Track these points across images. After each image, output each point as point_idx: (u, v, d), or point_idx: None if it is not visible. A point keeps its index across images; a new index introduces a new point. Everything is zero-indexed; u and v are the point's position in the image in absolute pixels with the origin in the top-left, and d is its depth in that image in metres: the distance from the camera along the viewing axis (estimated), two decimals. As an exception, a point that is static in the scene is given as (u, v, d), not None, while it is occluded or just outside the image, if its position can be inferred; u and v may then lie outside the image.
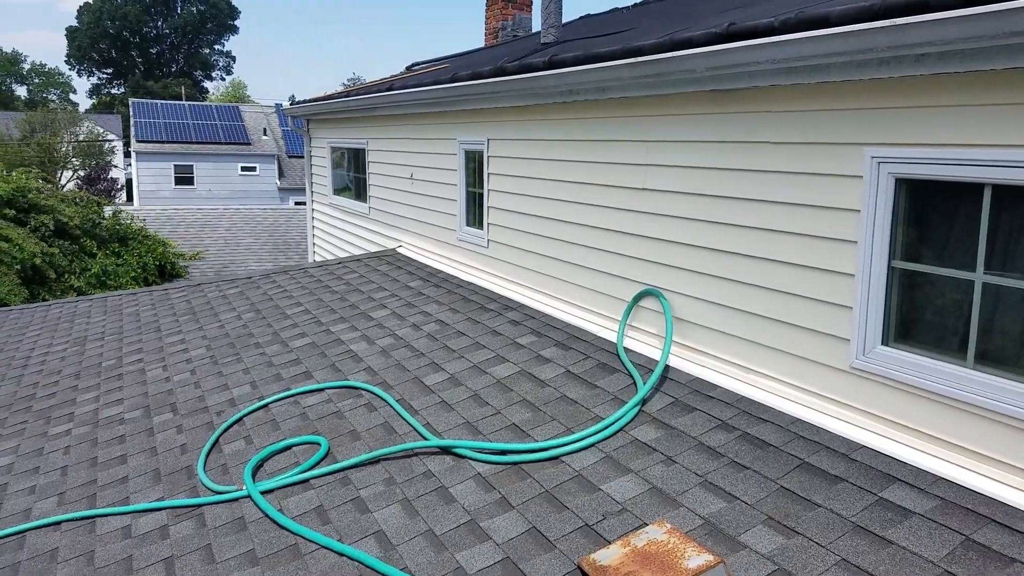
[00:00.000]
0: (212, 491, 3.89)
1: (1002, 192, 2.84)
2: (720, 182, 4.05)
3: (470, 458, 3.75)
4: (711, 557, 2.50)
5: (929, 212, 3.13)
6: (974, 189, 2.92)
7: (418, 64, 12.48)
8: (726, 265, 4.03)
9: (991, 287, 2.87)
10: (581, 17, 10.69)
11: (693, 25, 4.57)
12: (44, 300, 12.67)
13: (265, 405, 4.83)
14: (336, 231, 10.98)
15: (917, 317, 3.19)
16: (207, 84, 73.74)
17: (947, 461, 2.95)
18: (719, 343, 4.11)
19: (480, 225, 6.75)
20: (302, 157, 18.47)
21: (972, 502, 2.68)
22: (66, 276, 13.70)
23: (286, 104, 12.19)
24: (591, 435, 3.68)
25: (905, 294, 3.20)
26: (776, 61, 3.49)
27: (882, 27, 2.92)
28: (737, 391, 3.83)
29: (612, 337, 4.85)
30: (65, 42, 68.51)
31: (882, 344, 3.24)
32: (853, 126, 3.33)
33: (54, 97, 75.26)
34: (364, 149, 9.54)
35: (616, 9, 9.94)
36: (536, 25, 11.71)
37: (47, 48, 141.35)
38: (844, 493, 2.89)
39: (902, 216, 3.18)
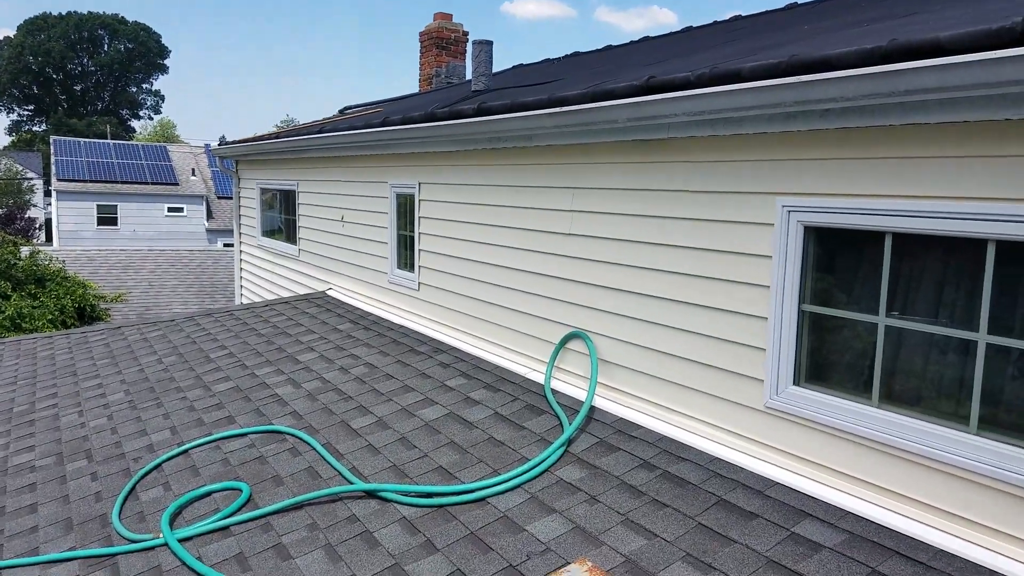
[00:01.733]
0: (127, 539, 3.74)
1: (902, 240, 3.03)
2: (642, 228, 4.19)
3: (396, 501, 3.72)
4: (631, 594, 2.54)
5: (836, 258, 3.32)
6: (877, 236, 3.11)
7: (351, 107, 12.54)
8: (648, 308, 4.15)
9: (893, 329, 3.05)
10: (513, 67, 10.97)
11: (617, 77, 4.77)
12: (-50, 343, 12.04)
13: (185, 451, 4.69)
14: (265, 273, 10.82)
15: (826, 358, 3.35)
16: (134, 123, 72.12)
17: (855, 496, 3.08)
18: (642, 384, 4.21)
19: (411, 268, 6.77)
20: (231, 198, 18.24)
21: (878, 535, 2.80)
22: (-24, 319, 13.06)
23: (215, 144, 12.05)
24: (517, 476, 3.70)
25: (815, 336, 3.36)
26: (692, 113, 3.67)
27: (788, 83, 3.12)
28: (659, 431, 3.92)
29: (540, 379, 4.91)
30: (-16, 77, 66.08)
31: (794, 384, 3.38)
32: (765, 176, 3.51)
33: (-30, 133, 72.31)
34: (295, 191, 9.49)
35: (547, 60, 10.24)
36: (469, 73, 11.95)
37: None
38: (759, 529, 2.99)
39: (811, 262, 3.36)
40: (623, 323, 4.33)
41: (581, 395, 4.55)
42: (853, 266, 3.28)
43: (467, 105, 5.54)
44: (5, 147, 60.62)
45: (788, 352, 3.38)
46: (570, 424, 4.09)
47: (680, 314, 3.95)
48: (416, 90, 13.20)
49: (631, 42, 9.12)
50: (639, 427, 4.01)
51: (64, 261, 16.67)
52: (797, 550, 2.81)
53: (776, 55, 3.41)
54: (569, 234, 4.74)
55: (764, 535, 2.94)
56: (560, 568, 2.92)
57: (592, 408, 4.31)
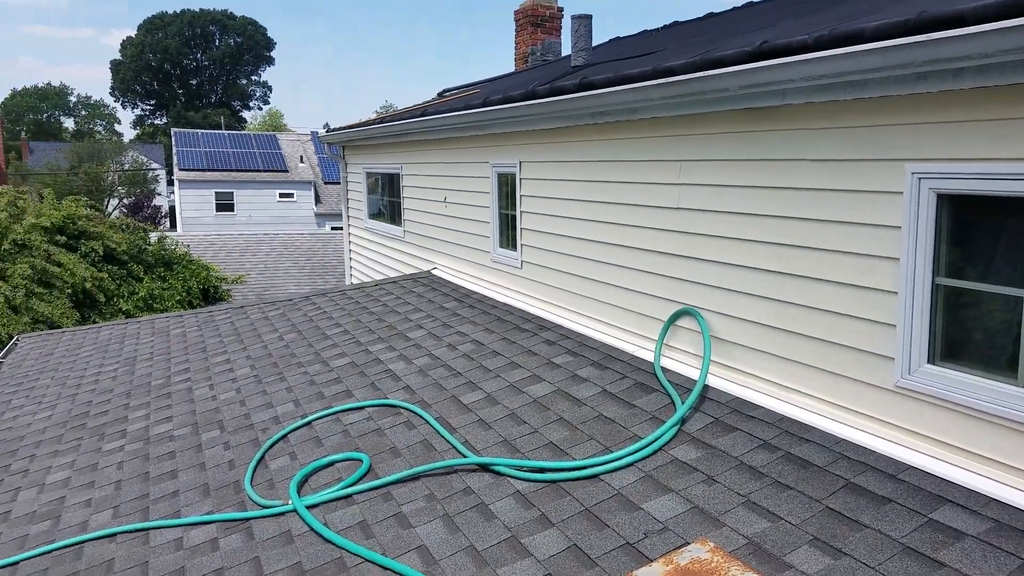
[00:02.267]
0: (259, 505, 3.88)
1: (1049, 208, 2.75)
2: (755, 200, 3.99)
3: (509, 475, 3.71)
4: (759, 577, 2.42)
5: (973, 228, 3.05)
6: (1019, 203, 2.84)
7: (450, 90, 12.59)
8: (765, 284, 3.96)
9: (1039, 304, 2.78)
10: (610, 40, 10.72)
11: (723, 44, 4.54)
12: (94, 323, 12.89)
13: (308, 422, 4.83)
14: (372, 254, 11.05)
15: (964, 335, 3.10)
16: (245, 114, 75.16)
17: (999, 482, 2.84)
18: (759, 362, 4.03)
19: (513, 246, 6.74)
20: (338, 183, 18.70)
21: (1026, 523, 2.57)
22: (115, 299, 13.91)
23: (322, 132, 12.35)
24: (630, 454, 3.61)
25: (951, 312, 3.11)
26: (810, 78, 3.45)
27: (919, 42, 2.87)
28: (779, 411, 3.74)
29: (648, 357, 4.79)
30: (110, 75, 70.25)
31: (928, 363, 3.14)
32: (892, 142, 3.26)
33: (100, 128, 77.20)
34: (399, 174, 9.61)
35: (645, 32, 9.95)
36: (565, 49, 11.76)
37: (92, 81, 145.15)
38: (892, 514, 2.80)
39: (945, 232, 3.10)
40: (736, 299, 4.15)
41: (692, 373, 4.41)
42: (993, 236, 3.01)
43: (568, 81, 5.41)
44: (131, 140, 64.36)
45: (921, 329, 3.14)
46: (683, 403, 3.96)
47: (799, 289, 3.74)
48: (512, 69, 13.12)
49: (733, 8, 8.72)
50: (757, 407, 3.84)
51: (188, 245, 17.55)
52: (936, 537, 2.62)
53: (900, 12, 3.15)
54: (677, 208, 4.58)
55: (899, 521, 2.75)
56: (681, 547, 2.82)
57: (705, 387, 4.16)
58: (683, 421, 3.86)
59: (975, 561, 2.45)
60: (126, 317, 13.14)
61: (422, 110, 8.96)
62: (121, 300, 13.86)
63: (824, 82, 3.42)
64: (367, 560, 3.23)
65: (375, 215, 10.95)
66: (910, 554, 2.56)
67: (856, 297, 3.44)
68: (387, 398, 4.97)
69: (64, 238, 13.63)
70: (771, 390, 3.93)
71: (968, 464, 2.96)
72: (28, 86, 77.47)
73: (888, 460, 3.14)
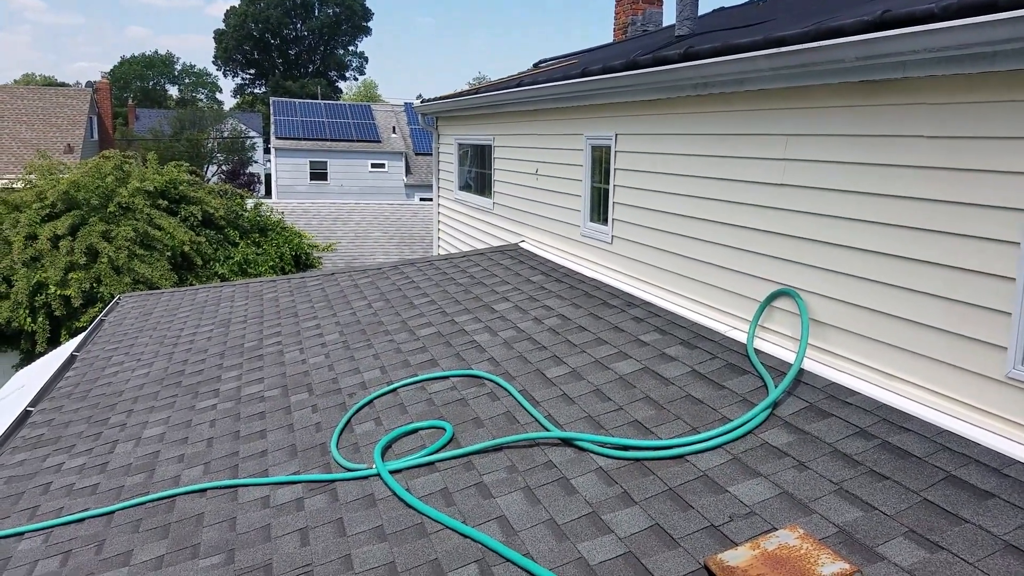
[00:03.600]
0: (344, 468, 4.08)
1: None
2: (865, 178, 3.87)
3: (592, 451, 3.77)
4: (847, 566, 2.41)
5: (1106, 212, 2.89)
6: None
7: (546, 61, 12.57)
8: (870, 266, 3.85)
9: None
10: (715, 10, 10.46)
11: (839, 15, 4.39)
12: (191, 285, 13.65)
13: (393, 389, 5.02)
14: (461, 225, 11.24)
15: (1088, 326, 2.95)
16: (341, 84, 77.07)
17: (1119, 483, 2.71)
18: (858, 347, 3.93)
19: (604, 221, 6.74)
20: (429, 155, 19.03)
21: None
22: (211, 263, 14.69)
23: (416, 102, 12.58)
24: (718, 436, 3.61)
25: (1074, 300, 2.96)
26: (935, 50, 3.30)
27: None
28: (877, 397, 3.65)
29: (741, 337, 4.73)
30: (213, 44, 73.26)
31: (1045, 353, 3.01)
32: (1020, 118, 3.10)
33: (202, 96, 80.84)
34: (490, 145, 9.71)
35: (752, 1, 9.66)
36: (667, 19, 11.56)
37: (197, 50, 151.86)
38: (995, 509, 2.71)
39: (1073, 216, 2.95)
40: (838, 281, 4.05)
41: (787, 356, 4.34)
42: None
43: (672, 51, 5.35)
44: (230, 108, 67.06)
45: (1040, 318, 3.01)
46: (776, 386, 3.92)
47: (907, 272, 3.62)
48: (611, 40, 12.98)
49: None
50: (854, 393, 3.76)
51: (282, 213, 18.28)
52: (1044, 538, 2.53)
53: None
54: (780, 184, 4.48)
55: (1001, 516, 2.67)
56: (768, 532, 2.83)
57: (801, 370, 4.10)
58: (775, 405, 3.82)
59: (1087, 565, 2.36)
60: (221, 280, 13.84)
61: (517, 80, 9.02)
62: (217, 264, 14.62)
63: (949, 54, 3.27)
64: (447, 527, 3.36)
65: (465, 187, 11.12)
66: (1012, 551, 2.48)
67: (969, 282, 3.31)
68: (471, 369, 5.11)
69: (165, 202, 14.45)
70: (870, 376, 3.84)
71: (1086, 464, 2.84)
72: (136, 54, 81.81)
73: (993, 453, 3.03)
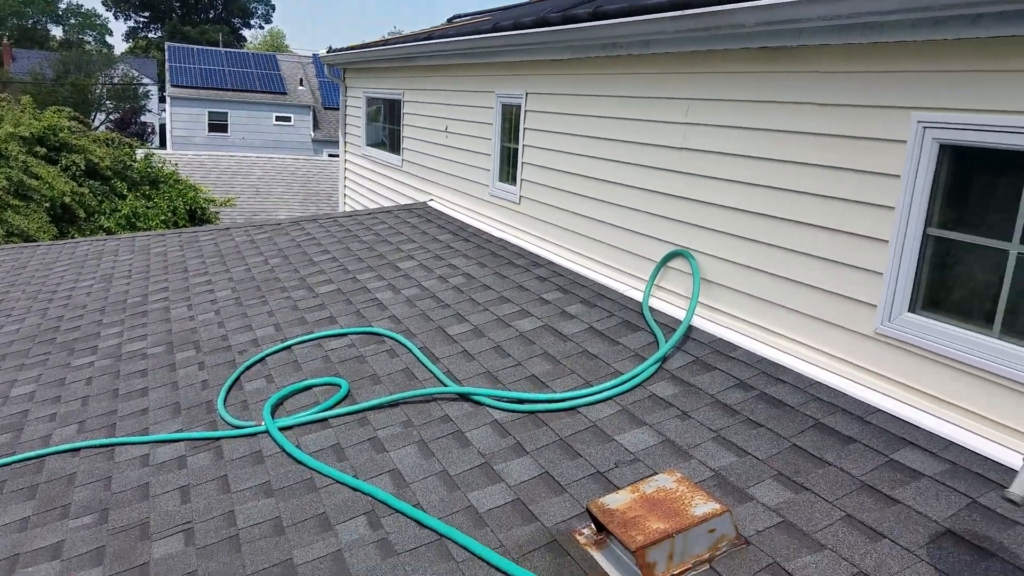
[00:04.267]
0: (231, 425, 4.08)
1: (1044, 160, 2.87)
2: (760, 143, 4.10)
3: (488, 405, 3.91)
4: (717, 506, 2.63)
5: (970, 179, 3.18)
6: (1020, 158, 2.95)
7: (461, 16, 12.50)
8: (758, 227, 4.10)
9: (1022, 257, 2.92)
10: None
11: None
12: (73, 238, 13.09)
13: (288, 347, 5.02)
14: (368, 183, 11.16)
15: (946, 285, 3.25)
16: (245, 32, 74.17)
17: (962, 427, 3.04)
18: (744, 305, 4.20)
19: (513, 181, 6.86)
20: (338, 109, 18.63)
21: (982, 467, 2.77)
22: (96, 216, 14.10)
23: (323, 53, 12.32)
24: (609, 388, 3.81)
25: (936, 262, 3.26)
26: (829, 17, 3.51)
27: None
28: (758, 352, 3.93)
29: (638, 296, 4.96)
30: (102, -18, 69.17)
31: (909, 311, 3.31)
32: (902, 89, 3.36)
33: (90, 39, 76.32)
34: (400, 100, 9.66)
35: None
36: (584, -22, 11.64)
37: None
38: (855, 453, 3.00)
39: (942, 182, 3.23)
40: (730, 242, 4.30)
41: (679, 314, 4.58)
42: (988, 189, 3.13)
43: (583, 9, 5.46)
44: (122, 53, 63.63)
45: (906, 277, 3.30)
46: (666, 341, 4.15)
47: (792, 234, 3.89)
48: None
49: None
50: (737, 348, 4.03)
51: (176, 164, 17.65)
52: (894, 476, 2.82)
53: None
54: (681, 148, 4.69)
55: (861, 460, 2.96)
56: (648, 476, 3.03)
57: (690, 327, 4.34)
58: (665, 359, 4.04)
59: (927, 499, 2.66)
60: (107, 235, 13.34)
61: (428, 34, 8.97)
62: (103, 217, 14.05)
63: (843, 22, 3.48)
64: (337, 481, 3.44)
65: (373, 143, 11.02)
66: (867, 491, 2.77)
67: (846, 244, 3.59)
68: (371, 326, 5.16)
69: (44, 150, 13.74)
70: (753, 332, 4.11)
71: (934, 409, 3.16)
72: (12, -12, 76.37)
73: (858, 403, 3.34)
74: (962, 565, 2.35)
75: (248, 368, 4.79)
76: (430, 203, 8.64)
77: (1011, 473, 2.71)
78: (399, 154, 9.75)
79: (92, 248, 8.72)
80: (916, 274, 3.29)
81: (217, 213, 16.70)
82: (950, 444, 2.94)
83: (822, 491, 2.82)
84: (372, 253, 6.95)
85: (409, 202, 9.12)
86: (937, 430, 3.03)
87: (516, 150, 6.78)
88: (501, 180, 7.13)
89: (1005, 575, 2.29)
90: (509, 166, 6.99)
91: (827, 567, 2.45)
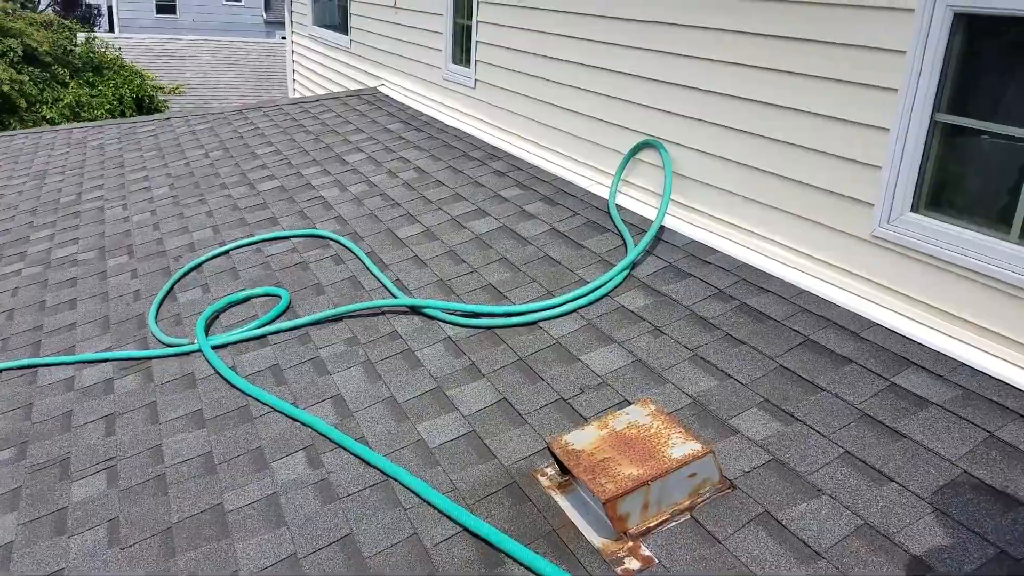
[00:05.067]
0: (162, 344, 3.57)
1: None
2: (740, 17, 3.46)
3: (441, 320, 3.41)
4: (699, 446, 2.19)
5: (988, 56, 2.62)
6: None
7: None
8: (739, 114, 3.51)
9: (1050, 148, 2.41)
10: None
11: None
12: (15, 130, 12.01)
13: (226, 252, 4.44)
14: (316, 66, 10.18)
15: (956, 181, 2.74)
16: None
17: (972, 345, 2.59)
18: (723, 203, 3.66)
19: (467, 62, 6.10)
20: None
21: (998, 393, 2.34)
22: (37, 106, 12.93)
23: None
24: (573, 300, 3.31)
25: (945, 153, 2.74)
26: None
27: None
28: (738, 257, 3.42)
29: (604, 193, 4.39)
30: None
31: (911, 211, 2.80)
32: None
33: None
34: (346, -26, 8.62)
35: None
36: None
37: None
38: (852, 376, 2.56)
39: (955, 60, 2.66)
40: (707, 131, 3.71)
41: (650, 213, 4.04)
42: (1009, 67, 2.59)
43: None
44: (61, -72, 58.41)
45: (910, 172, 2.77)
46: (636, 245, 3.63)
47: (779, 122, 3.30)
48: None
49: None
50: (715, 251, 3.51)
51: (120, 49, 16.20)
52: (898, 404, 2.39)
53: None
54: (651, 22, 4.01)
55: (858, 384, 2.52)
56: (618, 409, 2.58)
57: (662, 228, 3.81)
58: (634, 265, 3.54)
59: (937, 433, 2.24)
60: (52, 125, 12.27)
61: None
62: (45, 107, 12.90)
63: None
64: (275, 410, 2.96)
65: (321, 22, 9.97)
66: (868, 422, 2.34)
67: (842, 133, 3.03)
68: (316, 228, 4.57)
69: (-26, 35, 12.39)
70: (732, 234, 3.59)
71: (940, 324, 2.71)
72: None
73: (852, 315, 2.87)
74: (983, 515, 1.95)
75: (183, 276, 4.23)
76: (381, 88, 7.82)
77: (1031, 401, 2.30)
78: (347, 34, 8.79)
79: (27, 142, 7.85)
80: (921, 168, 2.77)
81: (166, 101, 15.47)
82: (960, 365, 2.50)
83: (816, 423, 2.39)
84: (318, 145, 6.24)
85: (359, 87, 8.27)
86: (944, 348, 2.58)
87: (470, 27, 5.99)
88: (455, 62, 6.35)
89: (1031, 527, 1.90)
90: (463, 46, 6.20)
91: (827, 517, 2.05)
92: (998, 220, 2.58)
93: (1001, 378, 2.39)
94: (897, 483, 2.10)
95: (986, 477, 2.06)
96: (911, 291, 2.80)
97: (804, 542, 1.99)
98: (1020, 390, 2.33)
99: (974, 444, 2.17)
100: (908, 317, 2.79)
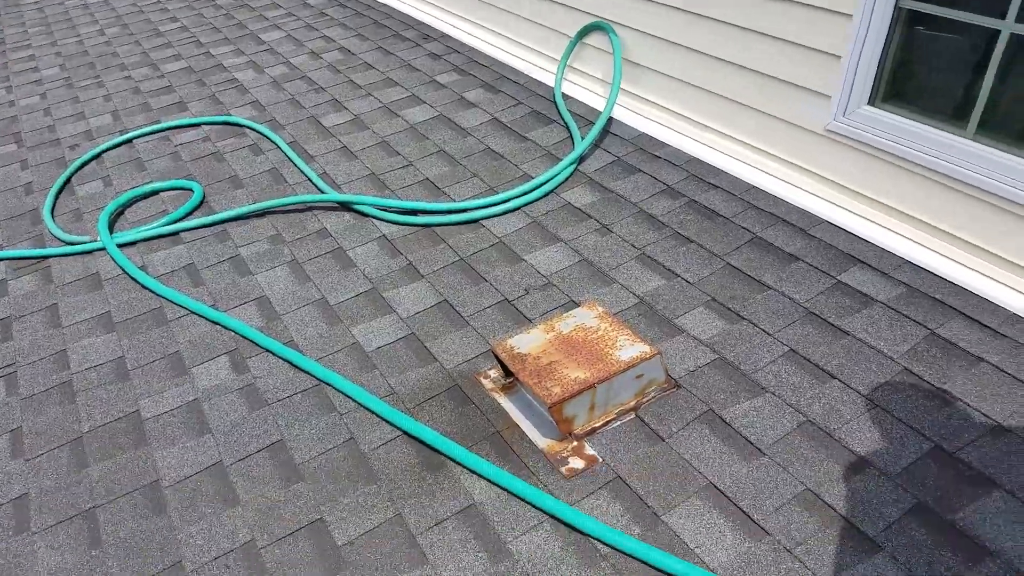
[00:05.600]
0: (61, 241, 3.46)
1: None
2: None
3: (374, 216, 3.38)
4: (647, 348, 2.27)
5: (954, -62, 2.63)
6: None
7: None
8: (693, -4, 3.47)
9: (1018, 40, 2.47)
10: None
11: None
12: None
13: (129, 140, 4.26)
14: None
15: (915, 74, 2.80)
16: None
17: (918, 243, 2.72)
18: (674, 92, 3.66)
19: (397, -70, 5.82)
20: None
21: (942, 291, 2.49)
22: None
23: None
24: (517, 196, 3.32)
25: (906, 43, 2.78)
26: None
27: None
28: (689, 151, 3.46)
29: (549, 80, 4.34)
30: None
31: (868, 103, 2.87)
32: None
33: None
34: None
35: None
36: None
37: None
38: (799, 274, 2.67)
39: (921, -60, 2.67)
40: (659, 13, 3.66)
41: (598, 104, 4.02)
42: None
43: None
44: None
45: (870, 62, 2.81)
46: (583, 138, 3.63)
47: (735, 6, 3.28)
48: None
49: None
50: (665, 145, 3.54)
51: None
52: (843, 302, 2.51)
53: None
54: None
55: (804, 282, 2.63)
56: (564, 312, 2.65)
57: (610, 120, 3.81)
58: (581, 159, 3.55)
59: (880, 330, 2.38)
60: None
61: None
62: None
63: None
64: (193, 312, 2.93)
65: None
66: (812, 320, 2.47)
67: (801, 17, 3.03)
68: (230, 115, 4.40)
69: None
70: (683, 127, 3.62)
71: (888, 222, 2.82)
72: None
73: (801, 212, 2.96)
74: (921, 411, 2.10)
75: (81, 167, 4.06)
76: (300, -43, 7.41)
77: (974, 298, 2.44)
78: None
79: None
80: (881, 59, 2.81)
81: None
82: (904, 262, 2.63)
83: (761, 321, 2.50)
84: (230, 22, 5.93)
85: (275, -44, 7.81)
86: (891, 246, 2.70)
87: None
88: (383, -71, 6.05)
89: (968, 423, 2.06)
90: (392, -88, 5.90)
91: (769, 414, 2.18)
92: (955, 116, 2.67)
93: (945, 276, 2.53)
94: (840, 381, 2.24)
95: (925, 374, 2.21)
96: (861, 187, 2.90)
97: (747, 439, 2.12)
98: (963, 288, 2.48)
99: (915, 342, 2.32)
100: (856, 214, 2.90)
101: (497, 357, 2.38)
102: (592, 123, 3.76)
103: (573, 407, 2.19)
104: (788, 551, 1.84)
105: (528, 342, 2.38)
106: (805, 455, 2.05)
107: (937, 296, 2.46)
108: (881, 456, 2.01)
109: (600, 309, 2.46)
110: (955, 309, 2.40)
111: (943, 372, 2.20)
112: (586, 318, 2.43)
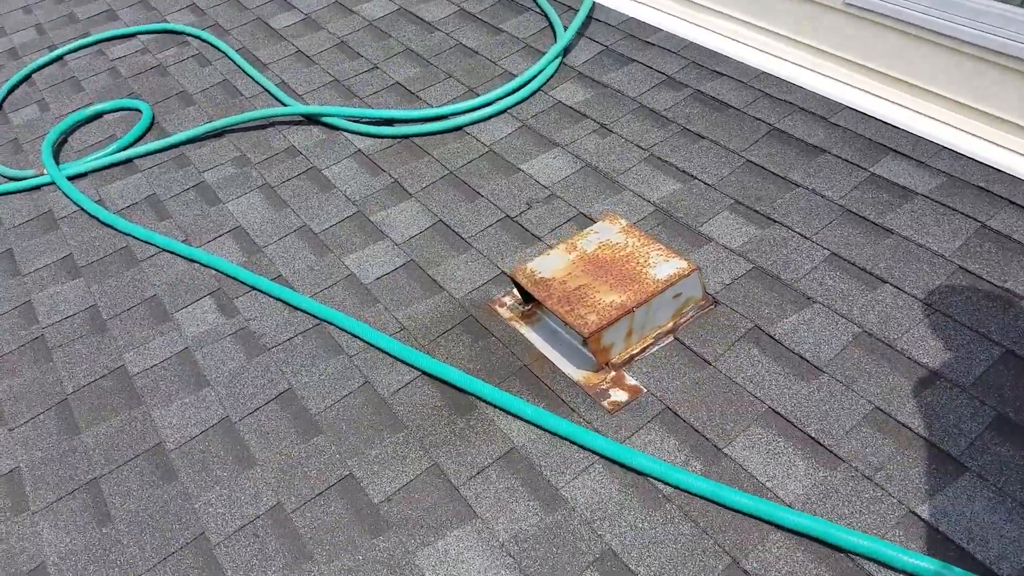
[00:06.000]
0: (4, 177, 2.99)
1: None
2: None
3: (346, 129, 2.97)
4: (684, 264, 1.99)
5: None
6: None
7: None
8: None
9: None
10: None
11: None
12: None
13: (59, 57, 3.71)
14: None
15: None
16: None
17: (955, 127, 2.42)
18: (661, -29, 3.24)
19: None
20: None
21: (986, 178, 2.22)
22: None
23: None
24: (502, 97, 2.92)
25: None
26: None
27: None
28: (685, 35, 3.05)
29: (515, -37, 3.85)
30: None
31: (890, -28, 2.52)
32: None
33: None
34: None
35: None
36: None
37: None
38: (827, 168, 2.38)
39: None
40: None
41: (573, -14, 3.58)
42: None
43: None
44: None
45: (892, -75, 2.45)
46: (565, 27, 3.21)
47: None
48: None
49: None
50: (657, 30, 3.13)
51: None
52: (881, 197, 2.25)
53: None
54: None
55: (835, 177, 2.35)
56: (578, 226, 2.34)
57: (593, 4, 3.36)
58: (566, 51, 3.14)
59: (927, 226, 2.12)
60: None
61: None
62: None
63: None
64: (165, 250, 2.55)
65: None
66: (851, 219, 2.20)
67: None
68: (167, 22, 3.84)
69: None
70: (677, 8, 3.19)
71: (919, 104, 2.51)
72: None
73: (819, 99, 2.62)
74: (985, 313, 1.88)
75: (11, 91, 3.52)
76: None
77: (1022, 185, 2.19)
78: None
79: None
80: (902, -80, 2.45)
81: None
82: (941, 149, 2.34)
83: (795, 223, 2.23)
84: (150, -87, 5.18)
85: None
86: (924, 132, 2.40)
87: None
88: None
89: (1031, 320, 1.85)
90: None
91: (821, 327, 1.94)
92: (987, -20, 2.34)
93: (988, 162, 2.26)
94: (891, 285, 2.00)
95: (982, 272, 1.97)
96: (888, 68, 2.57)
97: (802, 356, 1.88)
98: (1009, 175, 2.22)
99: (966, 237, 2.07)
100: (883, 98, 2.58)
101: (517, 284, 2.08)
102: (573, 9, 3.32)
103: (611, 335, 1.92)
104: (868, 478, 1.63)
105: (550, 265, 2.07)
106: (868, 370, 1.82)
107: (982, 184, 2.20)
108: (950, 366, 1.79)
109: (623, 222, 2.15)
110: (1004, 198, 2.15)
111: (1002, 269, 1.97)
112: (610, 233, 2.13)
